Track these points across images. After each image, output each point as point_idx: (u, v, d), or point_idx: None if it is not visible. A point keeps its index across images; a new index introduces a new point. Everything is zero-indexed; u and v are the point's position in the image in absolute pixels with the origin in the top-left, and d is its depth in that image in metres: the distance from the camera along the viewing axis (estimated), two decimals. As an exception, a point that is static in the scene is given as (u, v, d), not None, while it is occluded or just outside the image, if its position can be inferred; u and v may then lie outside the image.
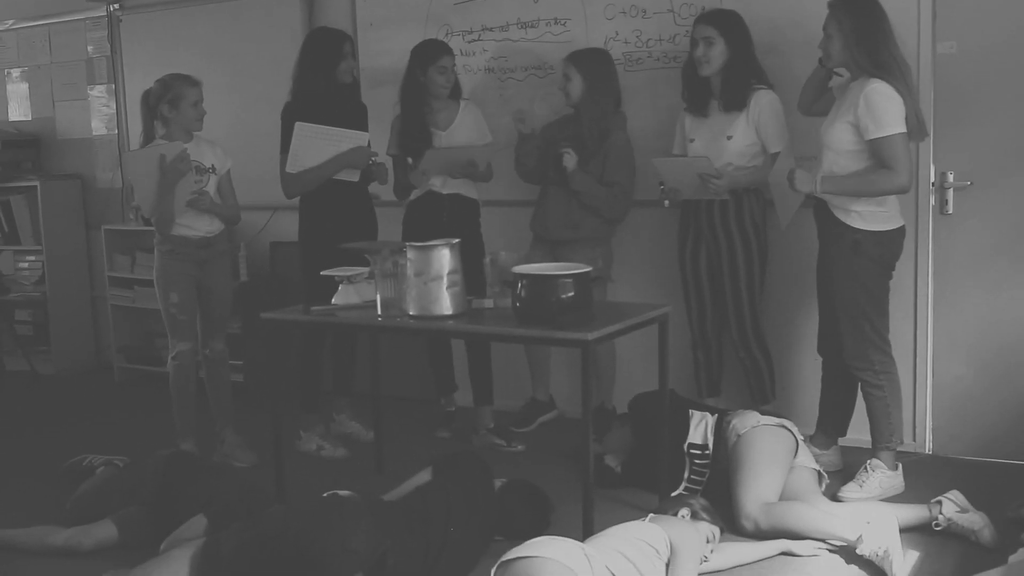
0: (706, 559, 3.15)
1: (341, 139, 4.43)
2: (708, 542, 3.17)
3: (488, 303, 3.68)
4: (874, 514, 3.27)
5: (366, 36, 5.36)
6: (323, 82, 4.46)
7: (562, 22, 4.89)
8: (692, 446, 3.80)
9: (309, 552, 2.95)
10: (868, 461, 3.83)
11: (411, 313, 3.52)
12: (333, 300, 3.84)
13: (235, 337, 5.16)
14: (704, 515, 3.26)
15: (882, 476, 3.80)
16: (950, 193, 4.18)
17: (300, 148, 4.41)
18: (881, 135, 3.59)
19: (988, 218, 4.14)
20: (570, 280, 3.31)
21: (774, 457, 3.57)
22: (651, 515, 3.17)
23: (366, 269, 3.81)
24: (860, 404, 3.94)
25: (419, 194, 4.59)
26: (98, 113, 6.45)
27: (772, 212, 4.23)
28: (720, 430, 3.77)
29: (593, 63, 4.44)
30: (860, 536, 3.20)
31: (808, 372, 4.33)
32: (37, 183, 6.33)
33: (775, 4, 4.33)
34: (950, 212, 4.19)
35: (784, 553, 3.32)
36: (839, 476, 3.94)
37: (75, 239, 6.56)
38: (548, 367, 4.87)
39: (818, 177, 3.70)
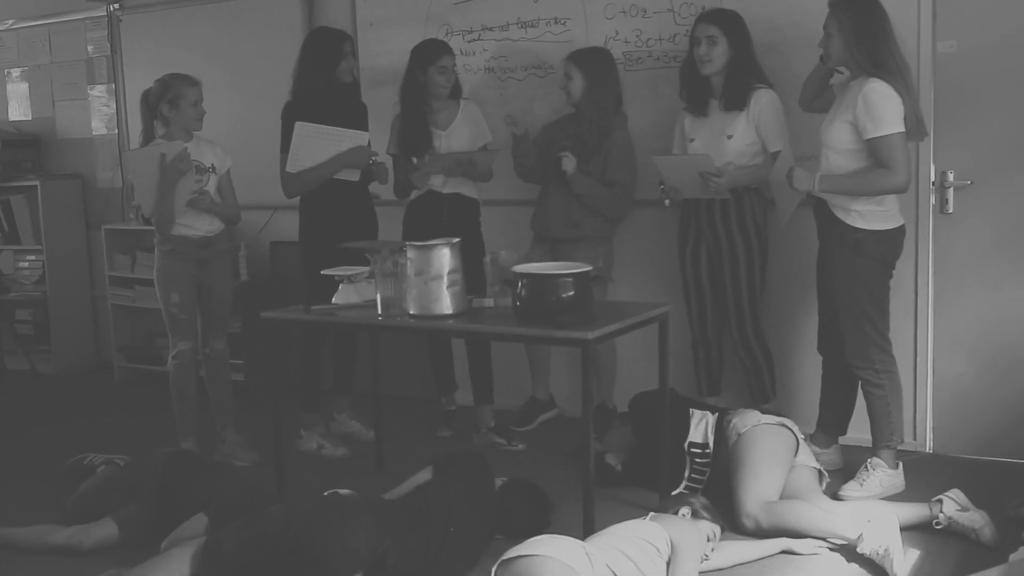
0: (707, 558, 3.15)
1: (341, 139, 4.43)
2: (709, 541, 3.17)
3: (488, 302, 3.68)
4: (875, 513, 3.28)
5: (366, 36, 5.36)
6: (323, 82, 4.46)
7: (562, 22, 4.89)
8: (692, 445, 3.80)
9: (310, 551, 2.95)
10: (869, 460, 3.83)
11: (411, 312, 3.52)
12: (333, 299, 3.84)
13: (235, 336, 5.16)
14: (705, 514, 3.26)
15: (883, 475, 3.80)
16: (950, 192, 4.18)
17: (300, 148, 4.41)
18: (879, 135, 3.58)
19: (988, 217, 4.14)
20: (570, 279, 3.31)
21: (775, 456, 3.57)
22: (652, 514, 3.17)
23: (366, 268, 3.81)
24: (860, 403, 3.94)
25: (419, 193, 4.60)
26: (98, 113, 6.45)
27: (773, 211, 4.23)
28: (720, 429, 3.77)
29: (594, 62, 4.44)
30: (861, 535, 3.20)
31: (808, 371, 4.33)
32: (37, 183, 6.34)
33: (775, 4, 4.33)
34: (950, 211, 4.19)
35: (785, 552, 3.32)
36: (839, 475, 3.94)
37: (75, 239, 6.56)
38: (548, 366, 4.87)
39: (816, 176, 3.70)
